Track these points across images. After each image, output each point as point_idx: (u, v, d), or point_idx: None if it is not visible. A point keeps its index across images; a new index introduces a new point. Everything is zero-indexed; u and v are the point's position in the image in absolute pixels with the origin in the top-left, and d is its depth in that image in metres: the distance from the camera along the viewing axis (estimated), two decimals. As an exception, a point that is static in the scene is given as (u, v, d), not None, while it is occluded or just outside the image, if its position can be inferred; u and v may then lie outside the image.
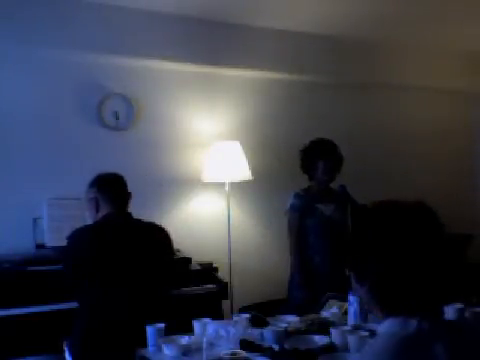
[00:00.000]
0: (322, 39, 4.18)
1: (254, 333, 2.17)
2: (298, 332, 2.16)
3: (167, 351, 2.01)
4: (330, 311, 2.43)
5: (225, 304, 3.30)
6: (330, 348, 1.98)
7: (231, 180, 3.66)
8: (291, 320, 2.36)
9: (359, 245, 1.20)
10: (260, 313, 2.38)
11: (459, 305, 2.27)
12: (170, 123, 3.76)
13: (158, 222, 2.58)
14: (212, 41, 3.80)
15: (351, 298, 2.28)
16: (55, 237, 3.09)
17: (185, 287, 3.06)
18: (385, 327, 1.16)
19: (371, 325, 2.14)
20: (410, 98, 4.66)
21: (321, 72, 4.21)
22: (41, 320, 2.70)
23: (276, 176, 3.98)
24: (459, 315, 2.22)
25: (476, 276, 3.66)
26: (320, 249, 3.20)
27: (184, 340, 2.09)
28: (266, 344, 2.03)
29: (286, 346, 1.97)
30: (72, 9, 3.36)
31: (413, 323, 1.12)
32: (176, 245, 2.74)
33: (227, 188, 3.69)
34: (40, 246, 3.14)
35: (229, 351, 1.89)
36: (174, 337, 2.11)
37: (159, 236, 2.52)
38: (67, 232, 2.47)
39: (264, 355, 1.93)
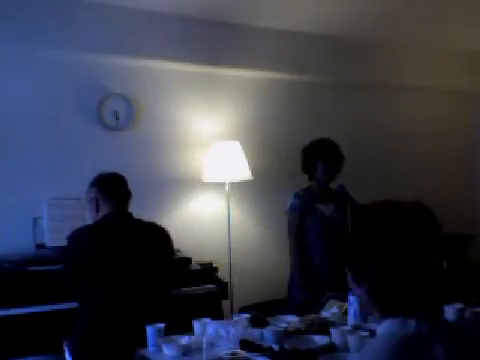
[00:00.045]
0: (322, 39, 4.18)
1: (254, 333, 2.17)
2: (298, 332, 2.16)
3: (167, 351, 2.01)
4: (330, 311, 2.44)
5: (225, 304, 3.30)
6: (330, 348, 1.98)
7: (231, 180, 3.65)
8: (291, 320, 2.36)
9: (358, 245, 1.20)
10: (260, 313, 2.38)
11: (459, 305, 2.27)
12: (170, 123, 3.76)
13: (158, 222, 2.58)
14: (212, 41, 3.79)
15: (351, 298, 2.28)
16: (55, 237, 3.09)
17: (185, 287, 3.06)
18: (384, 327, 1.16)
19: (371, 325, 2.14)
20: (410, 98, 4.66)
21: (321, 72, 4.21)
22: (41, 320, 2.70)
23: (276, 176, 3.98)
24: (459, 315, 2.22)
25: (476, 276, 3.66)
26: (320, 249, 3.20)
27: (184, 340, 2.09)
28: (266, 344, 2.03)
29: (286, 346, 1.97)
30: (72, 9, 3.36)
31: (412, 323, 1.12)
32: (176, 245, 2.73)
33: (227, 188, 3.69)
34: (40, 246, 3.14)
35: (229, 351, 1.89)
36: (174, 337, 2.11)
37: (159, 236, 2.52)
38: (67, 232, 2.47)
39: (264, 355, 1.93)
